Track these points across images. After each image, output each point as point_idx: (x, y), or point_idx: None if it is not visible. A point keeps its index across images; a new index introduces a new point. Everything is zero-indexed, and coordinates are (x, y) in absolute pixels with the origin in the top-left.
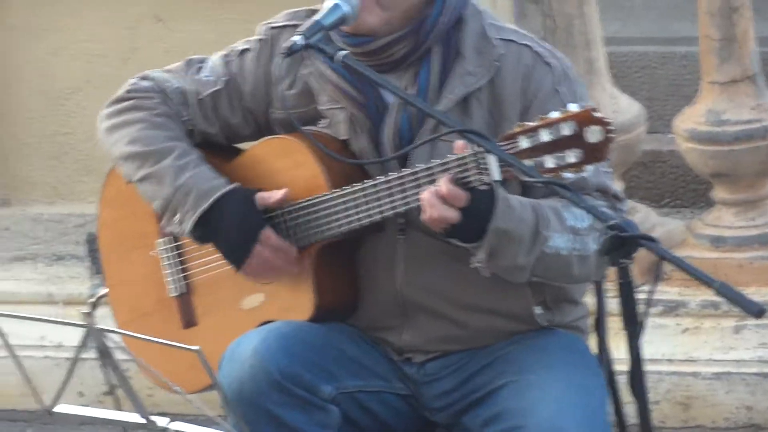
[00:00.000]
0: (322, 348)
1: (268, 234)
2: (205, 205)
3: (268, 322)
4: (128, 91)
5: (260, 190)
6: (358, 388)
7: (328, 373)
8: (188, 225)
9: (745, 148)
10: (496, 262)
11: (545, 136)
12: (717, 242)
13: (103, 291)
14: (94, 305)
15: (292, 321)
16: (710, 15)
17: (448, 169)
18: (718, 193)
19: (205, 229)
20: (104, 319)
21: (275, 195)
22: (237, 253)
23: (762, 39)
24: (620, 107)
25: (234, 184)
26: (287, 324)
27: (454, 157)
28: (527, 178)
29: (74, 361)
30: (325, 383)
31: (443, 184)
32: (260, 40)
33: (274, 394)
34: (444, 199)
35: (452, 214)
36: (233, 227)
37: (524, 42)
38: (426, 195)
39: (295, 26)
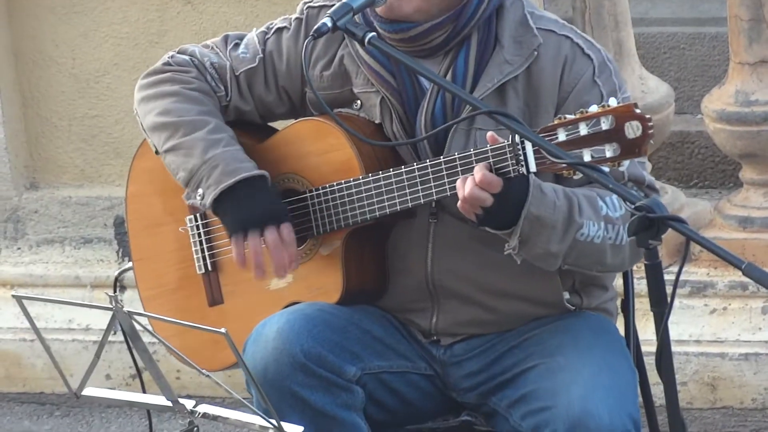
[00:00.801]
0: (346, 329)
1: (289, 227)
2: (228, 182)
3: (295, 303)
4: (165, 64)
5: (291, 179)
6: (382, 368)
7: (353, 354)
8: (209, 199)
9: None
10: (529, 249)
11: (584, 129)
12: (745, 223)
13: (127, 266)
14: (117, 279)
15: (316, 303)
16: None
17: (486, 158)
18: (747, 173)
19: (226, 206)
20: (131, 302)
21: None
22: (248, 222)
23: None
24: (649, 88)
25: (262, 171)
26: (311, 305)
27: (491, 146)
28: (554, 159)
29: (101, 344)
30: (349, 364)
31: (477, 171)
32: (298, 18)
33: (298, 375)
34: (478, 185)
35: (486, 198)
36: (260, 205)
37: (564, 33)
38: (460, 181)
39: (333, 6)
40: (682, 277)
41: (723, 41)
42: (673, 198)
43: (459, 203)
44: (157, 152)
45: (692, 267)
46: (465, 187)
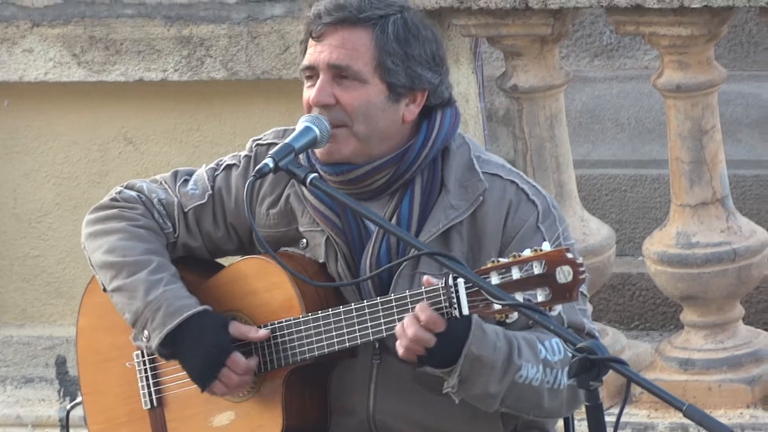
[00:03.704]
0: None
1: (236, 359)
2: (172, 325)
3: None
4: (113, 199)
5: (234, 317)
6: None
7: None
8: (155, 342)
9: (714, 270)
10: (468, 389)
11: (516, 273)
12: (686, 365)
13: (78, 399)
14: (68, 414)
15: None
16: (680, 137)
17: (421, 300)
18: (687, 315)
19: (173, 348)
20: None
21: (253, 333)
22: (203, 376)
23: (731, 161)
24: (590, 230)
25: (203, 307)
26: None
27: (426, 288)
28: (496, 301)
29: None
30: None
31: (422, 311)
32: (247, 156)
33: None
34: (423, 326)
35: (429, 338)
36: (201, 350)
37: (510, 177)
38: (407, 320)
39: None
40: (623, 419)
41: (664, 183)
42: (614, 340)
43: (400, 344)
44: (104, 290)
45: (633, 409)
46: (410, 327)
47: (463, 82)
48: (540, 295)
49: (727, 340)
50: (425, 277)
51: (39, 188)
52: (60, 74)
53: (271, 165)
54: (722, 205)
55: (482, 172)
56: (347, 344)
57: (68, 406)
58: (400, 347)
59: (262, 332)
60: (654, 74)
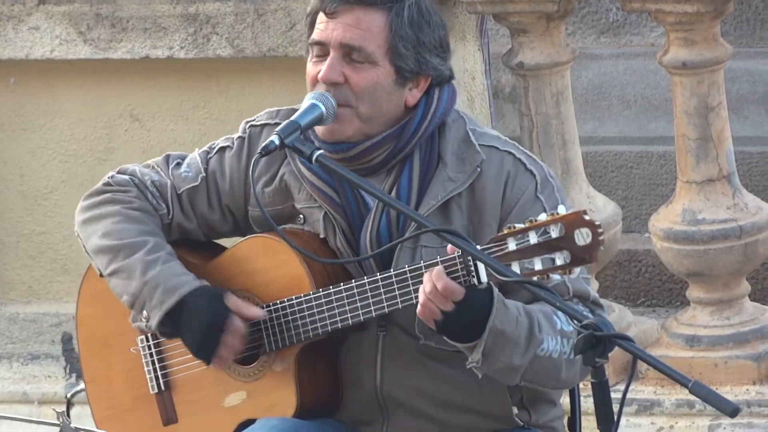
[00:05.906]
0: None
1: (234, 322)
2: (170, 302)
3: (250, 419)
4: (105, 184)
5: (233, 290)
6: None
7: None
8: (155, 321)
9: (720, 247)
10: (491, 364)
11: (534, 238)
12: (692, 341)
13: (80, 387)
14: (70, 402)
15: (287, 419)
16: (687, 114)
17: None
18: (693, 292)
19: (173, 326)
20: (79, 418)
21: (249, 310)
22: (204, 347)
23: (737, 138)
24: (596, 207)
25: (201, 282)
26: (284, 421)
27: (441, 258)
28: (503, 278)
29: None
30: None
31: (438, 279)
32: (240, 137)
33: None
34: (441, 293)
35: (447, 306)
36: (199, 323)
37: (506, 148)
38: (422, 287)
39: (276, 125)
40: (629, 395)
41: (670, 160)
42: (620, 316)
43: (418, 308)
44: (101, 275)
45: (639, 385)
46: (428, 283)
47: (469, 60)
48: (559, 259)
49: (733, 317)
50: (449, 246)
51: (45, 165)
52: (66, 52)
53: (277, 142)
54: (728, 182)
55: (479, 144)
56: (361, 318)
57: (68, 394)
58: (419, 305)
59: (259, 311)
60: (660, 51)
